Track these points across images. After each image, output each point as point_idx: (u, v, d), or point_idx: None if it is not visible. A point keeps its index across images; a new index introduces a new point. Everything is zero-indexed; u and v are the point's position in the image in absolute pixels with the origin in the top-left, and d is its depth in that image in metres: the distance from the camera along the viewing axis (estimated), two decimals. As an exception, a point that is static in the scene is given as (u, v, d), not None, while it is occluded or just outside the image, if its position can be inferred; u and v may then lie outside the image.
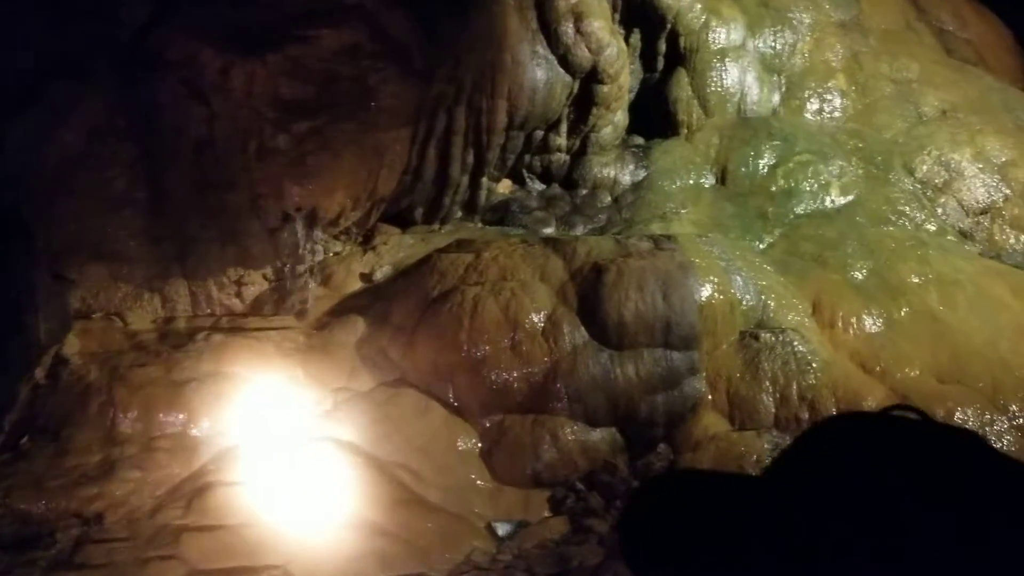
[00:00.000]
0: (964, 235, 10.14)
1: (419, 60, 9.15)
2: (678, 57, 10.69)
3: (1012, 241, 10.24)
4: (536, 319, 8.12)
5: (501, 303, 8.15)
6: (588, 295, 8.21)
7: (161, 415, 7.70)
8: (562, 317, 8.14)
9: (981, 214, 10.32)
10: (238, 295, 9.12)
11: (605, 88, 10.09)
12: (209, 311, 9.01)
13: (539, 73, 9.65)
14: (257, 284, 9.18)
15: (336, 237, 9.41)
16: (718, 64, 10.68)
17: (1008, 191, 10.40)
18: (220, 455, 7.53)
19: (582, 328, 8.13)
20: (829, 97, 10.98)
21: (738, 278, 8.70)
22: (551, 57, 9.77)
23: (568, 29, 9.82)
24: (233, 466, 7.40)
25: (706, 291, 8.42)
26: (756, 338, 8.41)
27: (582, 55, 9.86)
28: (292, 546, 6.67)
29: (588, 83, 10.03)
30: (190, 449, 7.57)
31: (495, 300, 8.16)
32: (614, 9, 10.41)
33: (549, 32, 9.79)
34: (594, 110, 10.14)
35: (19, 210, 8.07)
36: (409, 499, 7.45)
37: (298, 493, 7.18)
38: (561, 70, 9.81)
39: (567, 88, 9.90)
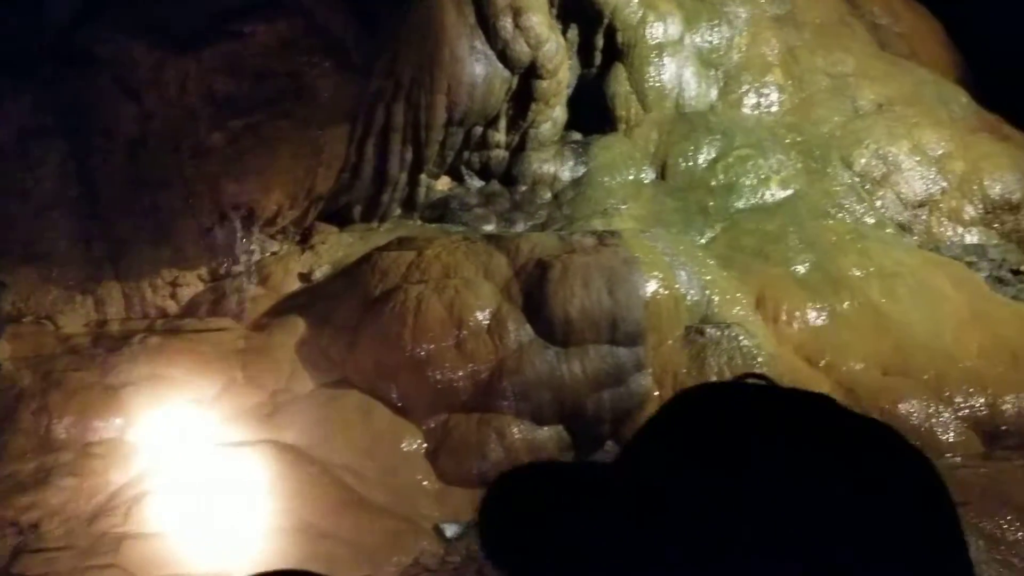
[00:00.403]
0: (903, 228, 10.17)
1: (357, 55, 9.01)
2: (616, 52, 10.61)
3: (950, 233, 10.30)
4: (481, 317, 8.02)
5: (445, 301, 8.04)
6: (533, 292, 8.11)
7: (97, 420, 7.52)
8: (507, 315, 8.05)
9: (919, 207, 10.37)
10: (173, 296, 8.94)
11: (544, 83, 10.00)
12: (143, 313, 8.81)
13: (478, 68, 9.54)
14: (192, 285, 9.00)
15: (273, 236, 9.23)
16: (656, 59, 10.62)
17: (945, 184, 10.46)
18: (158, 461, 7.36)
19: (527, 325, 8.04)
20: (766, 91, 10.97)
21: (683, 273, 8.65)
22: (490, 52, 9.66)
23: (507, 24, 9.72)
24: (172, 472, 7.23)
25: (651, 287, 8.36)
26: (702, 333, 8.37)
27: (521, 50, 9.76)
28: (235, 552, 6.51)
29: (527, 78, 9.93)
30: (127, 455, 7.38)
31: (439, 298, 8.04)
32: (551, 4, 10.28)
33: (488, 27, 9.67)
34: (533, 106, 10.04)
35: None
36: (354, 501, 7.32)
37: (240, 498, 7.03)
38: (500, 65, 9.70)
39: (506, 83, 9.80)
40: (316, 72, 8.84)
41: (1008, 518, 6.83)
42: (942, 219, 10.36)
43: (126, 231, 8.76)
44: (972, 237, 10.28)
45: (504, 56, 9.72)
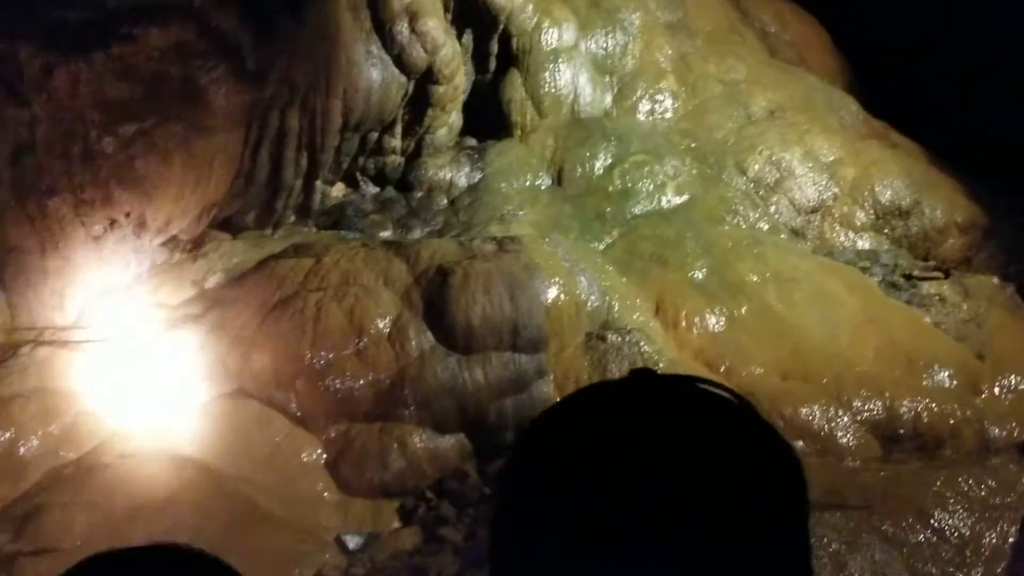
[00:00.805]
0: (796, 233, 10.28)
1: (251, 60, 8.85)
2: (511, 58, 10.57)
3: (842, 239, 10.43)
4: (382, 324, 7.94)
5: (345, 309, 7.95)
6: (434, 299, 8.05)
7: (-15, 433, 7.27)
8: (408, 322, 7.97)
9: (812, 212, 10.49)
10: (60, 307, 8.69)
11: (440, 89, 9.94)
12: (30, 323, 8.55)
13: (374, 73, 9.45)
14: (81, 295, 8.76)
15: (164, 244, 9.02)
16: (551, 65, 10.60)
17: (837, 190, 10.59)
18: (51, 474, 7.16)
19: (429, 333, 7.97)
20: (660, 98, 11.01)
21: (583, 279, 8.65)
22: (386, 57, 9.57)
23: (403, 29, 9.64)
24: (66, 486, 7.03)
25: (552, 293, 8.35)
26: (603, 339, 8.37)
27: (417, 55, 9.69)
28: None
29: (423, 84, 9.85)
30: (18, 469, 7.17)
31: (339, 306, 7.95)
32: (446, 9, 10.21)
33: (384, 32, 9.59)
34: (429, 111, 9.97)
35: None
36: (252, 514, 7.19)
37: (135, 511, 6.86)
38: (396, 70, 9.62)
39: (402, 88, 9.72)
40: (209, 77, 8.66)
41: (910, 520, 6.91)
42: (834, 225, 10.49)
43: (13, 238, 8.49)
44: (864, 242, 10.43)
45: (400, 61, 9.64)
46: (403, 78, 9.69)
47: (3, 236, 8.47)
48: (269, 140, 9.12)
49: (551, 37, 10.63)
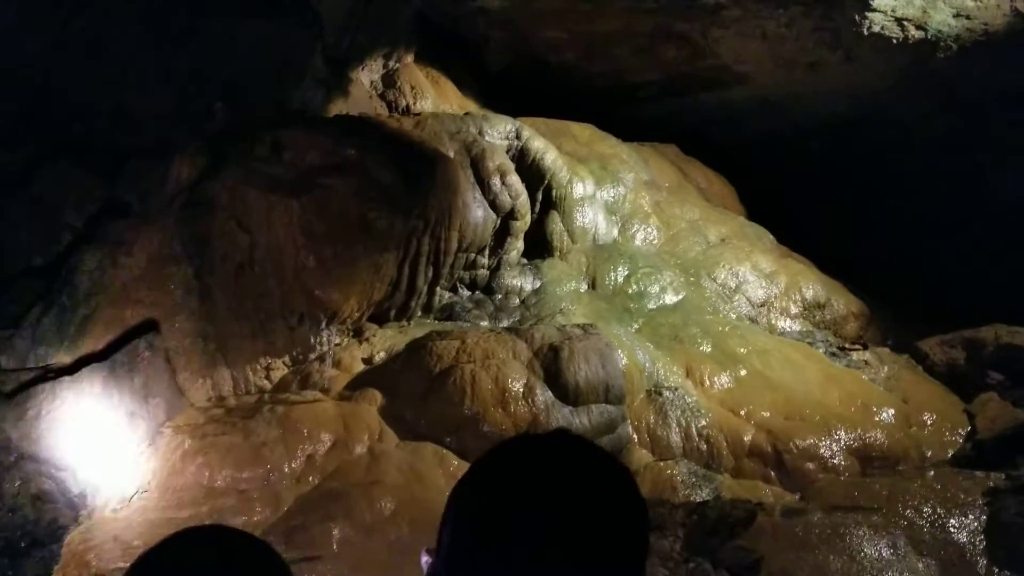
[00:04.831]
0: (753, 320, 10.16)
1: (402, 202, 8.47)
2: (551, 202, 10.35)
3: (783, 324, 10.34)
4: (517, 386, 7.52)
5: (491, 375, 7.52)
6: (550, 367, 7.67)
7: (247, 471, 6.66)
8: (534, 384, 7.57)
9: (761, 306, 10.39)
10: (267, 377, 8.12)
11: (518, 223, 9.67)
12: (246, 391, 7.96)
13: (479, 212, 9.14)
14: (280, 369, 8.21)
15: (339, 332, 8.52)
16: (579, 208, 10.42)
17: (776, 291, 10.53)
18: (300, 499, 6.56)
19: (549, 391, 7.58)
20: (648, 230, 10.88)
21: (639, 351, 8.39)
22: (485, 201, 9.28)
23: (497, 181, 9.37)
24: (314, 506, 6.44)
25: (624, 361, 8.05)
26: (660, 394, 8.09)
27: (505, 200, 9.42)
28: None
29: (506, 220, 9.57)
30: (274, 497, 6.57)
31: (487, 373, 7.52)
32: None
33: (483, 183, 9.31)
34: (509, 239, 9.68)
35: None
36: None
37: (373, 524, 6.31)
38: (491, 211, 9.32)
39: (494, 223, 9.42)
40: (376, 213, 8.26)
41: (906, 513, 6.71)
42: (777, 315, 10.40)
43: (232, 330, 7.92)
44: (797, 326, 10.35)
45: (494, 204, 9.35)
46: (495, 216, 9.39)
47: (226, 328, 7.90)
48: (410, 258, 8.71)
49: (579, 189, 10.45)
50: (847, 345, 9.81)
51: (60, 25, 7.82)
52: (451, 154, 9.22)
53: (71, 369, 6.59)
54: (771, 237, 11.63)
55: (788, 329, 10.23)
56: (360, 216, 8.17)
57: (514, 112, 10.80)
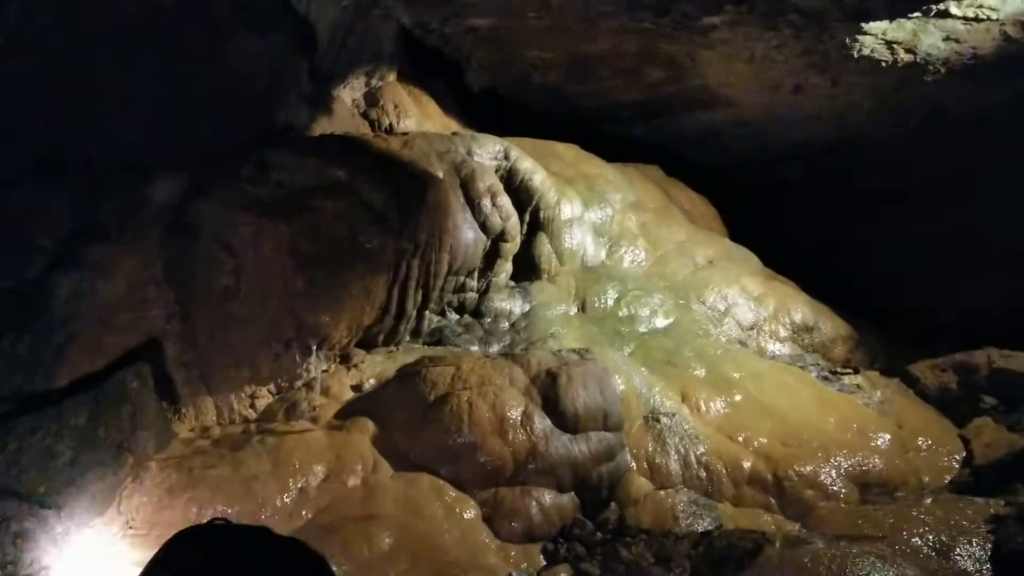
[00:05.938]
0: (743, 343, 10.04)
1: (393, 223, 8.25)
2: (538, 224, 10.18)
3: (773, 348, 10.24)
4: (514, 414, 7.31)
5: (488, 403, 7.30)
6: (548, 394, 7.48)
7: (236, 507, 6.36)
8: (532, 411, 7.37)
9: (751, 329, 10.28)
10: (252, 406, 7.83)
11: (508, 245, 9.49)
12: (231, 420, 7.67)
13: (470, 234, 8.95)
14: (265, 397, 7.92)
15: (326, 358, 8.25)
16: (567, 230, 10.27)
17: (765, 313, 10.43)
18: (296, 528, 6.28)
19: (547, 419, 7.38)
20: (636, 252, 10.76)
21: (635, 376, 8.21)
22: (475, 223, 9.08)
23: (487, 203, 9.19)
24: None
25: (621, 386, 7.88)
26: (658, 420, 7.91)
27: (496, 222, 9.24)
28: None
29: (496, 241, 9.38)
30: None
31: (483, 400, 7.30)
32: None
33: (474, 205, 9.12)
34: (498, 261, 9.49)
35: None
36: (443, 559, 6.42)
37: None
38: (482, 233, 9.14)
39: (484, 245, 9.23)
40: (366, 236, 8.04)
41: (926, 549, 6.56)
42: (766, 338, 10.29)
43: (216, 357, 7.63)
44: (787, 349, 10.25)
45: (485, 226, 9.17)
46: (484, 238, 9.20)
47: (210, 356, 7.60)
48: (399, 282, 8.48)
49: (567, 210, 10.31)
50: (839, 369, 9.72)
51: (36, 41, 7.52)
52: (440, 175, 9.02)
53: (54, 399, 6.26)
54: (757, 259, 11.53)
55: (778, 352, 10.12)
56: (351, 238, 7.95)
57: (495, 132, 10.63)
